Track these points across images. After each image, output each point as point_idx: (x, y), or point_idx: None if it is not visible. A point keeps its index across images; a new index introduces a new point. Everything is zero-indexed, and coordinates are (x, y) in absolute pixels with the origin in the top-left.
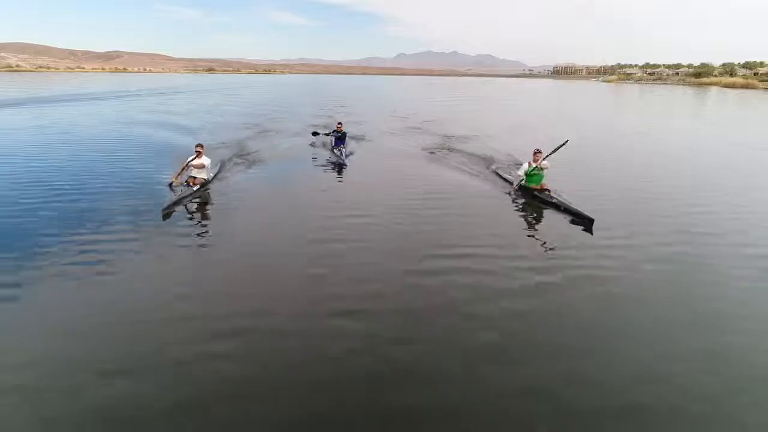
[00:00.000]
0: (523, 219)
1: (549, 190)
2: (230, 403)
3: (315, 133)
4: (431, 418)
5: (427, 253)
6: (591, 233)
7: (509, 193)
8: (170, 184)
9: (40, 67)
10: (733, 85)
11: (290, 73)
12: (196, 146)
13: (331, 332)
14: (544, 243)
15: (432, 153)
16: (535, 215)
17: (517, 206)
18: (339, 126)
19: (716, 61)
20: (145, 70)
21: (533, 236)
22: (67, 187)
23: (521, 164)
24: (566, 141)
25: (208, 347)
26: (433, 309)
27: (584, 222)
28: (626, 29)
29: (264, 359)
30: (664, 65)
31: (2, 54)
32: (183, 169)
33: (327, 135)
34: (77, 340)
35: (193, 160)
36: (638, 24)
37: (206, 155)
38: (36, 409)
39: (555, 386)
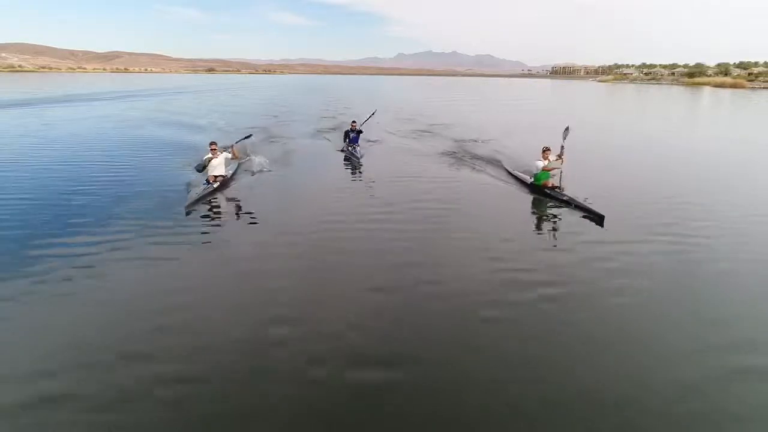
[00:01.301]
0: (534, 215)
1: (559, 187)
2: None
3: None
4: (444, 423)
5: (440, 249)
6: (602, 228)
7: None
8: (199, 168)
9: (42, 67)
10: (723, 84)
11: (290, 73)
12: (210, 144)
13: (349, 330)
14: (555, 239)
15: (439, 150)
16: (545, 212)
17: (527, 203)
18: (353, 125)
19: (715, 61)
20: (145, 70)
21: (544, 232)
22: (90, 184)
23: (534, 164)
24: (567, 127)
25: (234, 343)
26: (445, 304)
27: (595, 218)
28: (626, 29)
29: (283, 354)
30: (660, 65)
31: (3, 54)
32: (205, 167)
33: (345, 141)
34: (101, 333)
35: (209, 158)
36: (638, 24)
37: (220, 152)
38: (66, 395)
39: (563, 383)
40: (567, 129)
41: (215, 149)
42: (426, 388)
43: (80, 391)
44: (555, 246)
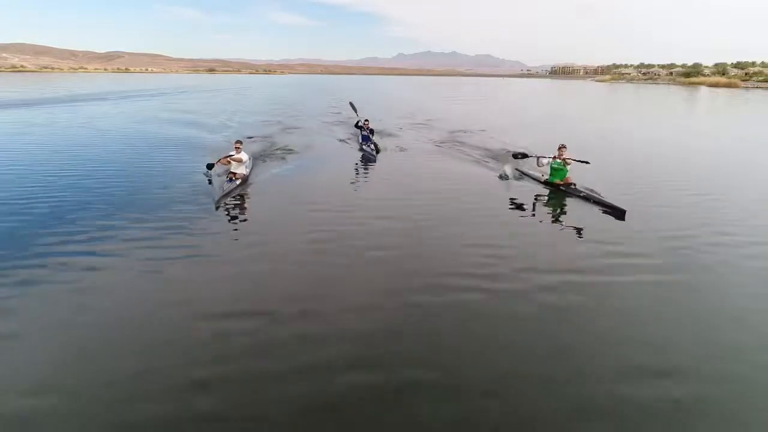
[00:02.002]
0: (554, 212)
1: (575, 184)
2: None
3: (351, 104)
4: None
5: (458, 246)
6: (623, 222)
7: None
8: (209, 166)
9: (44, 67)
10: (717, 84)
11: (290, 73)
12: (236, 142)
13: (358, 329)
14: (577, 235)
15: (448, 148)
16: (564, 208)
17: (546, 200)
18: (366, 123)
19: (713, 61)
20: (147, 70)
21: (565, 229)
22: (123, 181)
23: (544, 156)
24: (587, 162)
25: (272, 339)
26: (462, 300)
27: (616, 213)
28: (626, 29)
29: (291, 350)
30: (658, 65)
31: (4, 55)
32: (224, 158)
33: (357, 126)
34: (132, 324)
35: (233, 155)
36: (638, 24)
37: (243, 151)
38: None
39: (580, 381)
40: (586, 162)
41: (239, 147)
42: (435, 388)
43: (93, 385)
44: (576, 242)
